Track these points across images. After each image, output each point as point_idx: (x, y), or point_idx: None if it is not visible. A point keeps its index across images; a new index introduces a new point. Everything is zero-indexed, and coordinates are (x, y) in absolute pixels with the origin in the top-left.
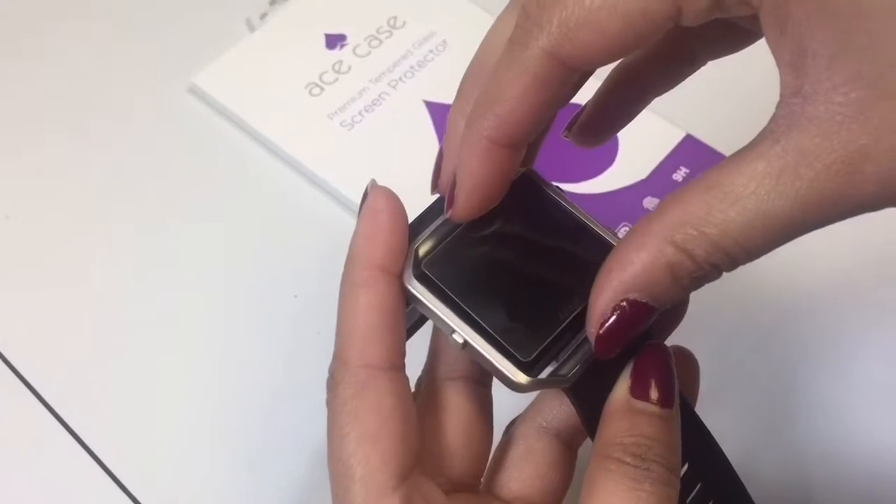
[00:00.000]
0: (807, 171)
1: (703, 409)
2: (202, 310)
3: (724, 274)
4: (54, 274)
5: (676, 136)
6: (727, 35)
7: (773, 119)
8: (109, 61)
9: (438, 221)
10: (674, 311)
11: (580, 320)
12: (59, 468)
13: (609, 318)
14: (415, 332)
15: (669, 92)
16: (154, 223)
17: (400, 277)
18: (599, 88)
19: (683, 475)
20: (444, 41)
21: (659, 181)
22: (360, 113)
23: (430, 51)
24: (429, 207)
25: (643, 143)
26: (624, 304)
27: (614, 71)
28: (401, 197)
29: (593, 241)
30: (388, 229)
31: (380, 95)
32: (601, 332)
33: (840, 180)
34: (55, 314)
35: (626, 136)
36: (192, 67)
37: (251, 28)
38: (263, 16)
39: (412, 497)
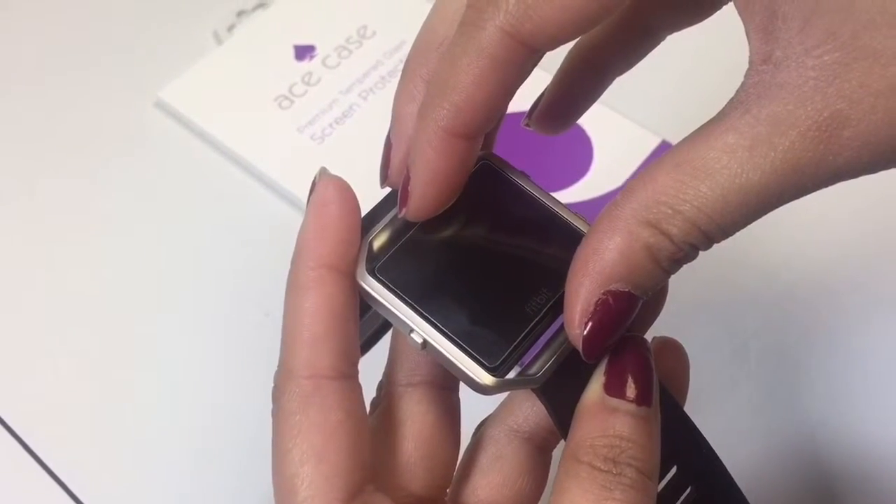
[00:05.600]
0: (781, 140)
1: (693, 408)
2: (171, 330)
3: (727, 263)
4: (11, 287)
5: (652, 143)
6: (687, 4)
7: (742, 88)
8: (75, 76)
9: (393, 213)
10: (652, 303)
11: (549, 315)
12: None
13: (592, 314)
14: (374, 343)
15: (644, 98)
16: (120, 240)
17: (351, 276)
18: (558, 72)
19: (671, 478)
20: None
21: None
22: (330, 125)
23: (401, 60)
24: (383, 199)
25: (618, 151)
26: (606, 297)
27: (571, 52)
28: None
29: (562, 230)
30: (338, 223)
31: (350, 107)
32: (586, 332)
33: (817, 147)
34: (9, 329)
35: (601, 143)
36: (158, 82)
37: (218, 41)
38: (231, 28)
39: None
